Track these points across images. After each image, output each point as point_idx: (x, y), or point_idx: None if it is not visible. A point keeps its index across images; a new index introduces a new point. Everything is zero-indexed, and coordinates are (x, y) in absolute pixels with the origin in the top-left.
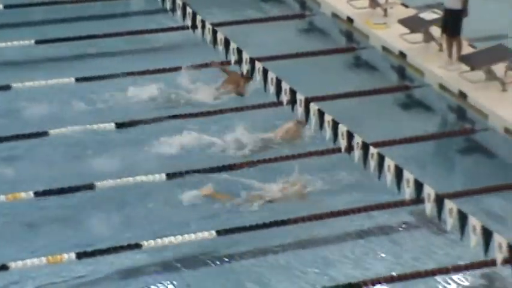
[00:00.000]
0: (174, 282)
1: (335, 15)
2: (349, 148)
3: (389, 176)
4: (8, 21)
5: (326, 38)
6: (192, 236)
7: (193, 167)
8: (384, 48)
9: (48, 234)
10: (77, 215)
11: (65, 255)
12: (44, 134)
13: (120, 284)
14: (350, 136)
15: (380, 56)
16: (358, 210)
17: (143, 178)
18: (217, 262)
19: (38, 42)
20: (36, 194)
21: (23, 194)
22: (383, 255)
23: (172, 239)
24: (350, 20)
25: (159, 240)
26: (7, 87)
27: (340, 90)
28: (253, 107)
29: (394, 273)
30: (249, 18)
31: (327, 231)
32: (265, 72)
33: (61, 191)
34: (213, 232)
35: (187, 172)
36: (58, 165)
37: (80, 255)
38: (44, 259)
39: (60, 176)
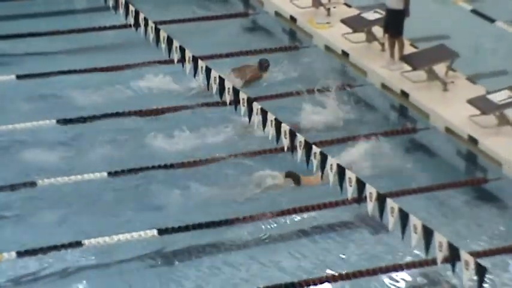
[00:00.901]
0: None
1: (278, 14)
2: (292, 147)
3: (331, 175)
4: None
5: (270, 36)
6: None
7: None
8: (327, 48)
9: None
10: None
11: (5, 254)
12: None
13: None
14: (293, 135)
15: (323, 55)
16: (301, 209)
17: None
18: None
19: None
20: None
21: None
22: (328, 254)
23: None
24: (293, 19)
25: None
26: None
27: (286, 89)
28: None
29: (336, 273)
30: (193, 16)
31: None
32: (208, 71)
33: None
34: None
35: None
36: None
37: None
38: None
39: None
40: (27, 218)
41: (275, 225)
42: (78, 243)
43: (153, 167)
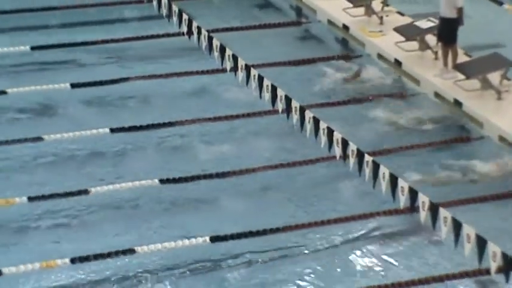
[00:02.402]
0: None
1: (331, 23)
2: (345, 156)
3: (384, 183)
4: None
5: (322, 45)
6: None
7: None
8: (380, 56)
9: None
10: None
11: (59, 261)
12: None
13: None
14: (345, 144)
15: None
16: (353, 218)
17: None
18: None
19: (33, 48)
20: None
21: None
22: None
23: None
24: (346, 28)
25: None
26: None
27: (335, 98)
28: None
29: (388, 282)
30: (246, 25)
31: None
32: (260, 79)
33: None
34: None
35: None
36: None
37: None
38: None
39: None
40: (81, 226)
41: (326, 234)
42: (132, 251)
43: (205, 176)
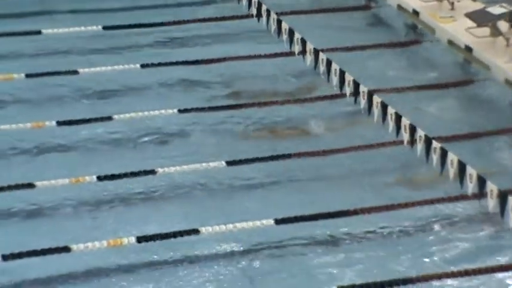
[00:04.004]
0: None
1: (401, 8)
2: (412, 141)
3: (451, 170)
4: (76, 7)
5: (390, 30)
6: None
7: None
8: (450, 42)
9: None
10: None
11: (125, 239)
12: None
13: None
14: (413, 129)
15: (445, 50)
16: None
17: None
18: None
19: (105, 28)
20: None
21: None
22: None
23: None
24: (416, 13)
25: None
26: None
27: (402, 83)
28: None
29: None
30: (315, 8)
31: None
32: (328, 63)
33: None
34: None
35: None
36: None
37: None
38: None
39: None
40: (148, 206)
41: (392, 219)
42: (196, 231)
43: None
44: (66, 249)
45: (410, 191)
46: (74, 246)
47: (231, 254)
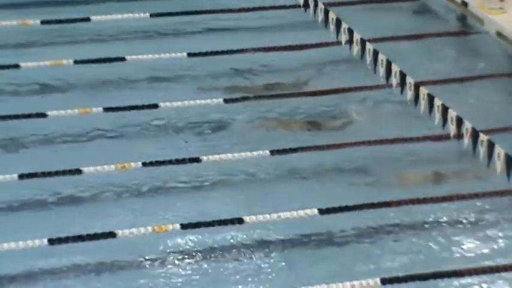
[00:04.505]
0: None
1: None
2: (459, 135)
3: (498, 163)
4: None
5: (438, 20)
6: None
7: None
8: (499, 34)
9: None
10: None
11: (170, 226)
12: None
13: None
14: (460, 121)
15: (494, 42)
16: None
17: None
18: None
19: (152, 15)
20: None
21: None
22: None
23: None
24: (464, 4)
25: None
26: (122, 59)
27: (450, 75)
28: None
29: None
30: None
31: None
32: (375, 53)
33: None
34: None
35: None
36: None
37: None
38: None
39: None
40: (192, 194)
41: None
42: (240, 220)
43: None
44: (111, 234)
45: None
46: (119, 232)
47: (274, 243)
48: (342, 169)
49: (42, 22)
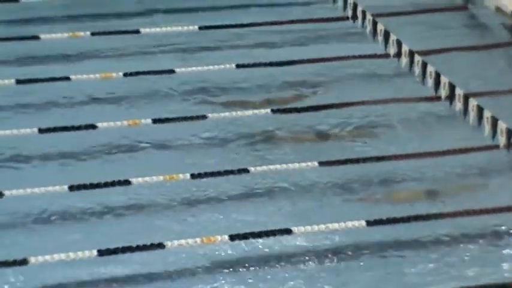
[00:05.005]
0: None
1: (499, 10)
2: (508, 145)
3: None
4: (173, 6)
5: (487, 32)
6: None
7: None
8: None
9: None
10: None
11: (218, 237)
12: None
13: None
14: (510, 133)
15: None
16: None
17: None
18: None
19: (201, 28)
20: None
21: None
22: None
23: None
24: None
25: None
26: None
27: (501, 86)
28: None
29: None
30: (412, 9)
31: None
32: (424, 65)
33: None
34: None
35: None
36: None
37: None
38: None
39: None
40: (241, 205)
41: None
42: (288, 231)
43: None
44: (160, 245)
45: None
46: (168, 243)
47: (323, 255)
48: (387, 180)
49: (93, 34)
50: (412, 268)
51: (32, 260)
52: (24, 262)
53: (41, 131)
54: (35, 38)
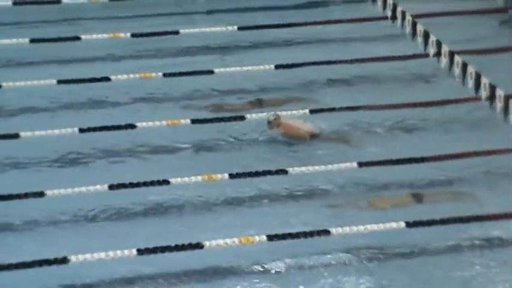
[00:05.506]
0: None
1: None
2: None
3: None
4: (212, 7)
5: None
6: None
7: None
8: None
9: None
10: None
11: (256, 238)
12: None
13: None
14: None
15: None
16: None
17: None
18: None
19: (240, 28)
20: None
21: None
22: None
23: None
24: None
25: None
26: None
27: None
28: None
29: None
30: (450, 10)
31: None
32: (464, 66)
33: None
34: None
35: None
36: None
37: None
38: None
39: None
40: (279, 206)
41: None
42: (326, 232)
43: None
44: (199, 245)
45: None
46: (206, 243)
47: (362, 254)
48: (434, 180)
49: (133, 35)
50: (447, 269)
51: (73, 258)
52: (65, 261)
53: (81, 130)
54: (76, 38)
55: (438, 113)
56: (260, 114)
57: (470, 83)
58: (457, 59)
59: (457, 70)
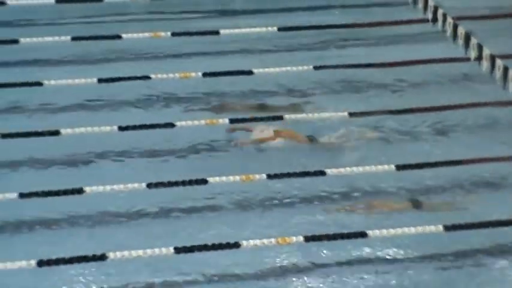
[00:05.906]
0: None
1: None
2: None
3: None
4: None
5: None
6: None
7: None
8: None
9: None
10: None
11: (293, 238)
12: None
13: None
14: None
15: None
16: None
17: None
18: None
19: (280, 29)
20: None
21: None
22: None
23: None
24: None
25: None
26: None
27: None
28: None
29: None
30: (492, 13)
31: None
32: (505, 70)
33: None
34: None
35: None
36: None
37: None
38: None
39: None
40: (314, 207)
41: None
42: (363, 234)
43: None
44: (236, 245)
45: None
46: (243, 242)
47: (398, 260)
48: (476, 182)
49: (173, 34)
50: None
51: (111, 255)
52: (102, 258)
53: (121, 128)
54: (117, 37)
55: (477, 115)
56: (299, 115)
57: (511, 87)
58: (499, 63)
59: (498, 74)
